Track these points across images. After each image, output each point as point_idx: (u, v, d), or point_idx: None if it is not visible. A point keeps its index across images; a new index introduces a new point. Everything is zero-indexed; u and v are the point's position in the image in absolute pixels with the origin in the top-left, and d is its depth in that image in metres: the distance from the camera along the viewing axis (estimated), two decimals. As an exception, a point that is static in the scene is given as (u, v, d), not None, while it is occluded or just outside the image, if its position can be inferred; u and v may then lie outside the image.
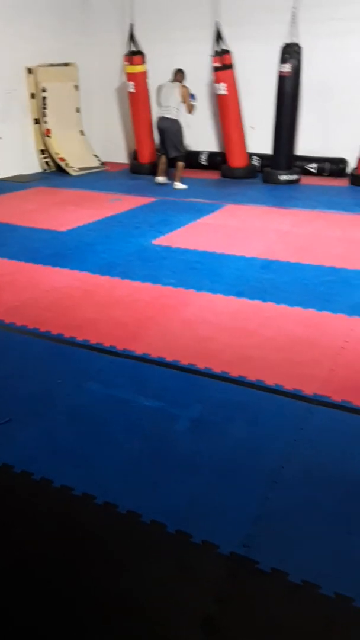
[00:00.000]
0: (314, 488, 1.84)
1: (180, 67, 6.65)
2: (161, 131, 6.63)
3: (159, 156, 6.93)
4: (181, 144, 6.67)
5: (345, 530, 1.67)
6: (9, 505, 1.81)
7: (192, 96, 6.51)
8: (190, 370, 2.58)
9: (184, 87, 6.45)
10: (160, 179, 6.86)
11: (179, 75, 6.56)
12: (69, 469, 1.95)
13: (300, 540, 1.64)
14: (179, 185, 6.74)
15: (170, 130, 6.55)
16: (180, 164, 6.72)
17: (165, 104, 6.53)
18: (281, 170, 6.90)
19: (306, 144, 7.35)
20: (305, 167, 7.26)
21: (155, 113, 7.54)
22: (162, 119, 6.57)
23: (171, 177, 6.83)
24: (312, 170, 7.27)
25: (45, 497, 1.84)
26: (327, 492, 1.82)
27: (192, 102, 6.51)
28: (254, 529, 1.68)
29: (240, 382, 2.47)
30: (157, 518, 1.71)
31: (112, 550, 1.63)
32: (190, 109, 6.51)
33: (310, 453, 2.01)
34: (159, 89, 6.66)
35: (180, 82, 6.51)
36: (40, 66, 7.54)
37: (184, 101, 6.43)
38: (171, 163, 6.87)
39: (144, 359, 2.69)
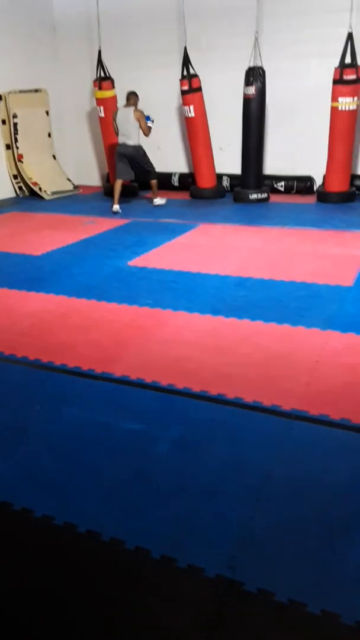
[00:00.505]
0: (297, 504, 1.86)
1: (133, 90, 6.69)
2: (126, 157, 6.63)
3: (117, 181, 6.77)
4: (150, 164, 6.77)
5: (328, 545, 1.68)
6: (-11, 539, 1.77)
7: (148, 118, 6.50)
8: (169, 390, 2.58)
9: (137, 110, 6.48)
10: (117, 207, 6.68)
11: (132, 98, 6.58)
12: (50, 498, 1.91)
13: (284, 558, 1.65)
14: (159, 201, 6.93)
15: (137, 156, 6.63)
16: (154, 181, 6.86)
17: (124, 131, 6.56)
18: (251, 189, 7.05)
19: (274, 163, 7.56)
20: (274, 185, 7.45)
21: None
22: (124, 146, 6.59)
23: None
24: (281, 188, 7.47)
25: (27, 528, 1.80)
26: (310, 508, 1.84)
27: (149, 124, 6.51)
28: (239, 550, 1.67)
29: (219, 400, 2.49)
30: (141, 544, 1.70)
31: (96, 578, 1.61)
32: (146, 131, 6.53)
33: (291, 469, 2.03)
34: (115, 114, 6.68)
35: (135, 105, 6.54)
36: (11, 93, 7.60)
37: (139, 125, 6.47)
38: (143, 184, 6.97)
39: (123, 381, 2.68)
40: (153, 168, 6.81)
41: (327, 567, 1.61)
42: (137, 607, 1.51)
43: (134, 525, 1.78)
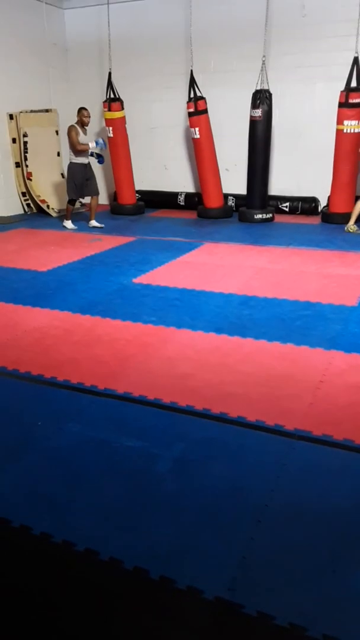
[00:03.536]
0: (298, 526, 1.83)
1: (81, 106, 6.80)
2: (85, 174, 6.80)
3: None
4: (68, 186, 6.78)
5: (330, 568, 1.66)
6: (-14, 556, 1.75)
7: (98, 142, 6.65)
8: (171, 408, 2.58)
9: (70, 127, 6.59)
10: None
11: (77, 115, 6.71)
12: (49, 515, 1.90)
13: (285, 581, 1.62)
14: (69, 224, 6.92)
15: (67, 173, 6.78)
16: (70, 207, 6.95)
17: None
18: (256, 210, 7.13)
19: (279, 184, 7.65)
20: (279, 206, 7.52)
21: (134, 156, 7.81)
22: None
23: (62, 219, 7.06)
24: (285, 209, 7.54)
25: (24, 545, 1.78)
26: (311, 530, 1.81)
27: (97, 149, 6.62)
28: (239, 572, 1.65)
29: (221, 419, 2.48)
30: (140, 564, 1.67)
31: (93, 599, 1.58)
32: (76, 146, 6.50)
33: (293, 490, 2.01)
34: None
35: (75, 121, 6.66)
36: (22, 112, 7.77)
37: (68, 139, 6.58)
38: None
39: (126, 398, 2.68)
40: (68, 192, 6.81)
41: (328, 590, 1.58)
42: (135, 627, 1.48)
43: (133, 545, 1.76)
